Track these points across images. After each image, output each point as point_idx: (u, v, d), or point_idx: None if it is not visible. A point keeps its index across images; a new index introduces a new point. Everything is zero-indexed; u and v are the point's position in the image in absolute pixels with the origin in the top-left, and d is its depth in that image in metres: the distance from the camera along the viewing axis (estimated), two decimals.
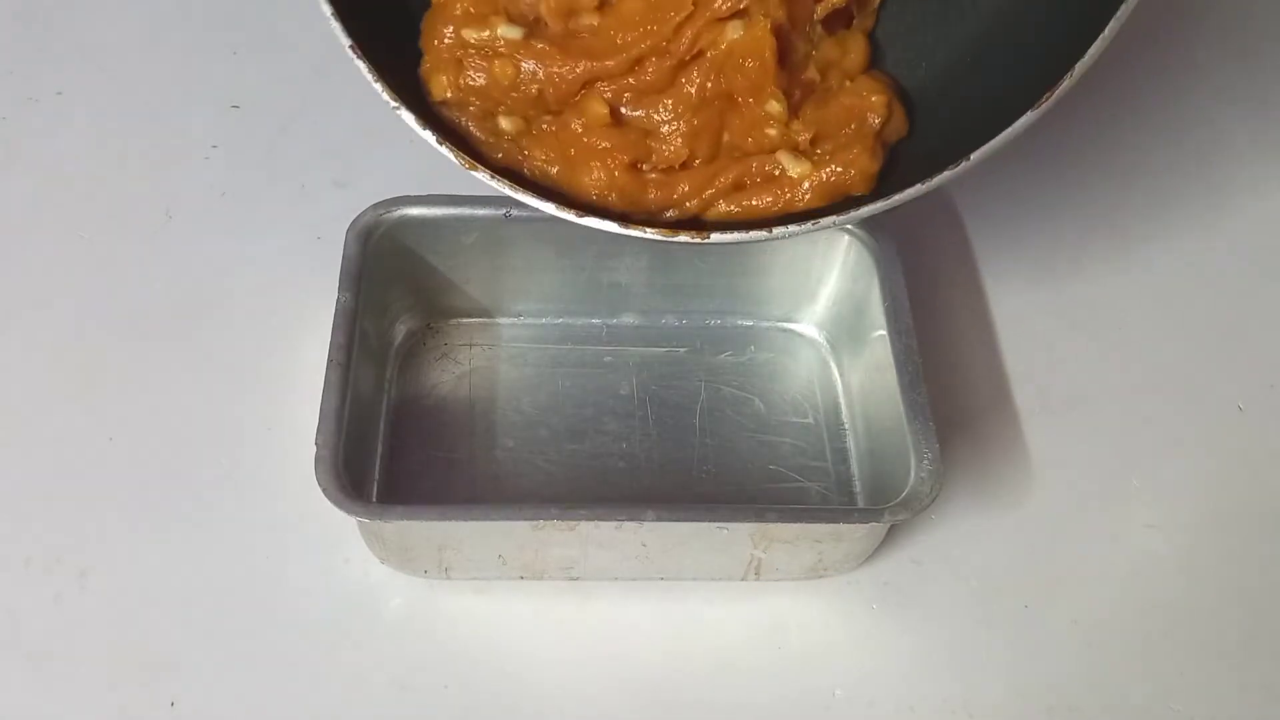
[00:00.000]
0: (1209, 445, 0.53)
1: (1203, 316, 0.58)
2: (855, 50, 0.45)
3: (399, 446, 0.50)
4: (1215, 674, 0.47)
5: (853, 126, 0.44)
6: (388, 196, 0.50)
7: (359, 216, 0.49)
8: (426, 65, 0.44)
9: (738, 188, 0.43)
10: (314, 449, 0.42)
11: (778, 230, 0.42)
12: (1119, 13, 0.37)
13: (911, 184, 0.40)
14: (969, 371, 0.54)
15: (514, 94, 0.43)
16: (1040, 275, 0.58)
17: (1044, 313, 0.57)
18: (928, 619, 0.48)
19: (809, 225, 0.42)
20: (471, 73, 0.43)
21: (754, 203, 0.43)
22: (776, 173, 0.43)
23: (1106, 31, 0.37)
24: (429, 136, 0.42)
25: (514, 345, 0.54)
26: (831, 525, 0.44)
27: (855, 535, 0.45)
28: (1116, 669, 0.47)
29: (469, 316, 0.54)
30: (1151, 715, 0.46)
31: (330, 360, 0.45)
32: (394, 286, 0.51)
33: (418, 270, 0.52)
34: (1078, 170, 0.61)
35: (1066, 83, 0.38)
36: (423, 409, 0.51)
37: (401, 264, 0.51)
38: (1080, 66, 0.38)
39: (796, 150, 0.43)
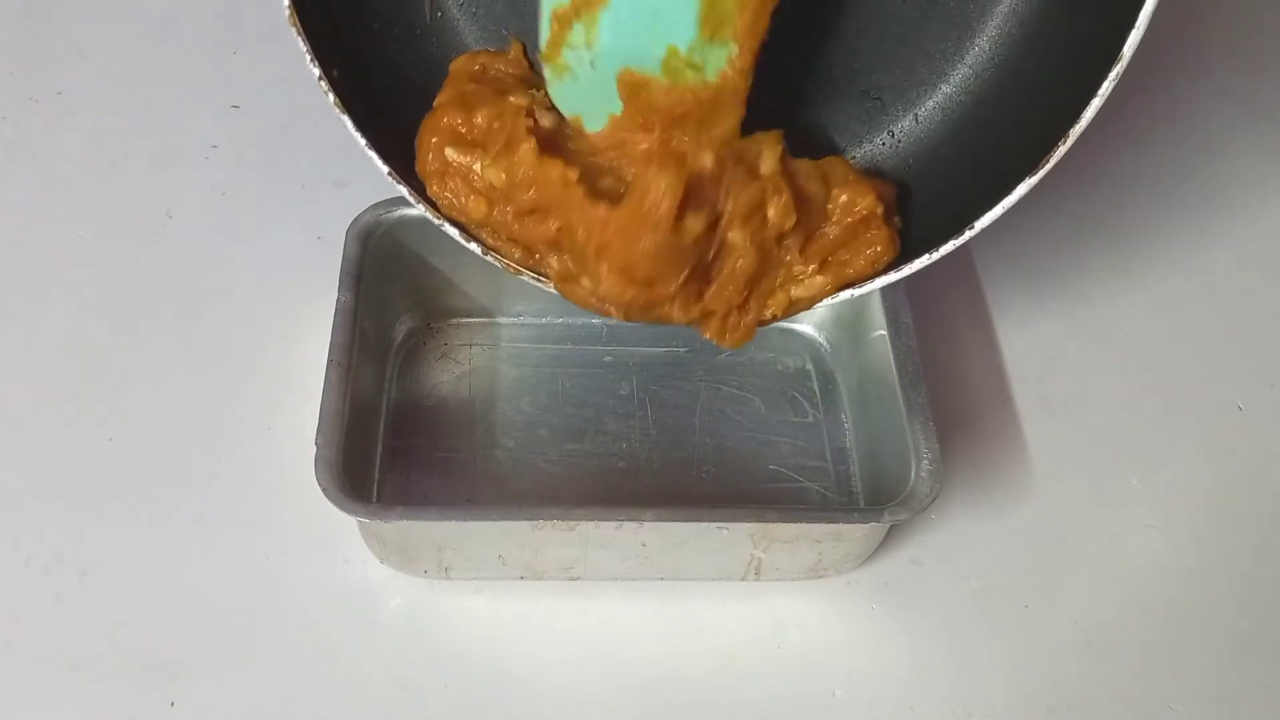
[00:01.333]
0: (1209, 445, 0.53)
1: (1202, 317, 0.58)
2: (829, 171, 0.43)
3: (399, 446, 0.50)
4: (1215, 674, 0.47)
5: (858, 231, 0.43)
6: (388, 196, 0.50)
7: (359, 216, 0.49)
8: (418, 167, 0.44)
9: (765, 295, 0.44)
10: (314, 449, 0.42)
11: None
12: (1108, 78, 0.38)
13: (919, 254, 0.42)
14: (969, 371, 0.54)
15: (486, 227, 0.43)
16: (1040, 275, 0.58)
17: (1043, 312, 0.57)
18: (928, 619, 0.48)
19: (827, 300, 0.44)
20: (450, 195, 0.43)
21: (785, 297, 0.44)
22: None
23: (1101, 90, 0.38)
24: (475, 248, 0.44)
25: (514, 345, 0.54)
26: (831, 525, 0.44)
27: (855, 535, 0.45)
28: (1116, 669, 0.47)
29: (469, 316, 0.54)
30: (1151, 715, 0.46)
31: (330, 360, 0.45)
32: (394, 286, 0.51)
33: (418, 270, 0.52)
34: (1077, 170, 0.61)
35: (1062, 148, 0.39)
36: (423, 409, 0.51)
37: (401, 264, 0.51)
38: (1075, 131, 0.38)
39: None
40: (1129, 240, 0.60)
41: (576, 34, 0.39)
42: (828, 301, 0.44)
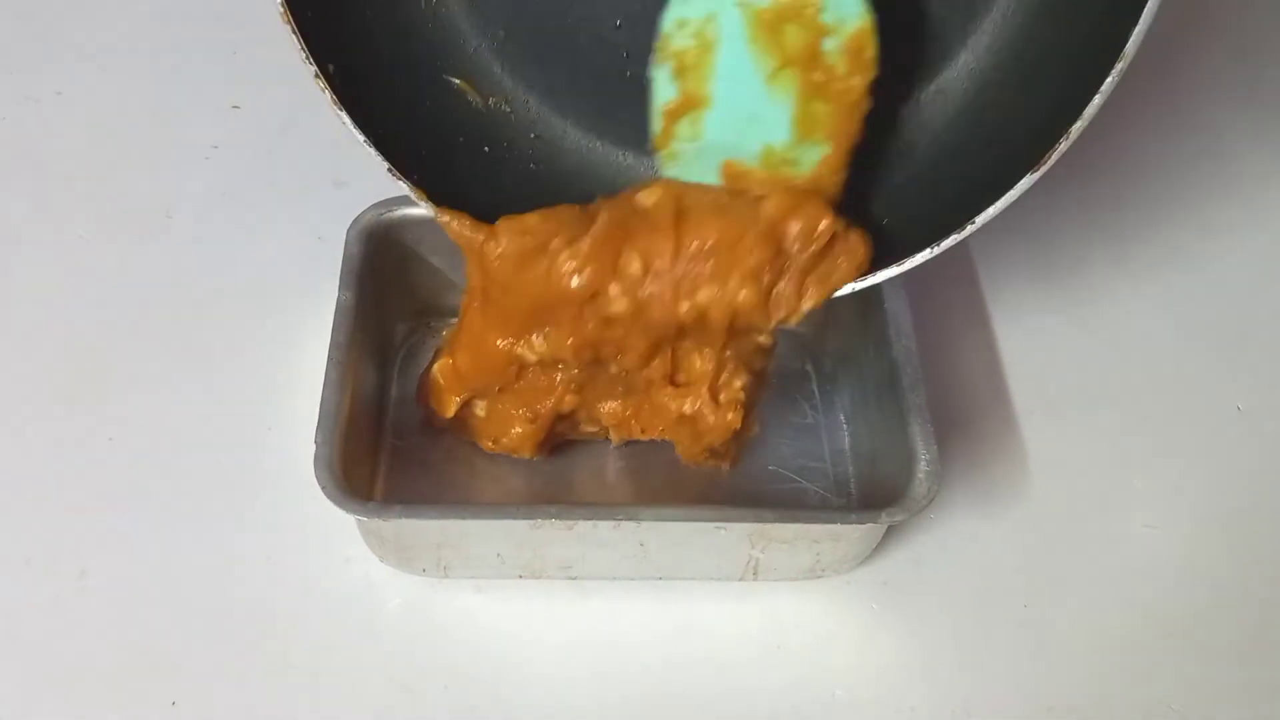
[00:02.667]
0: (1209, 445, 0.53)
1: (1203, 317, 0.58)
2: (769, 211, 0.43)
3: (399, 446, 0.50)
4: (1215, 674, 0.47)
5: (827, 252, 0.43)
6: (388, 196, 0.50)
7: (359, 216, 0.49)
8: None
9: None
10: (313, 448, 0.42)
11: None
12: (1112, 73, 0.37)
13: (921, 248, 0.42)
14: (968, 372, 0.54)
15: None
16: (1039, 275, 0.58)
17: (1043, 312, 0.57)
18: (927, 619, 0.48)
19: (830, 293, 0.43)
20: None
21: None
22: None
23: (1103, 87, 0.37)
24: None
25: None
26: (829, 526, 0.44)
27: (853, 536, 0.45)
28: (1116, 669, 0.47)
29: None
30: (1151, 715, 0.46)
31: (330, 359, 0.45)
32: (394, 286, 0.51)
33: (418, 270, 0.52)
34: (1077, 169, 0.61)
35: (1064, 145, 0.39)
36: None
37: (401, 264, 0.51)
38: (1077, 129, 0.38)
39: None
40: (1129, 240, 0.60)
41: (684, 128, 0.42)
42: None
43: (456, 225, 0.43)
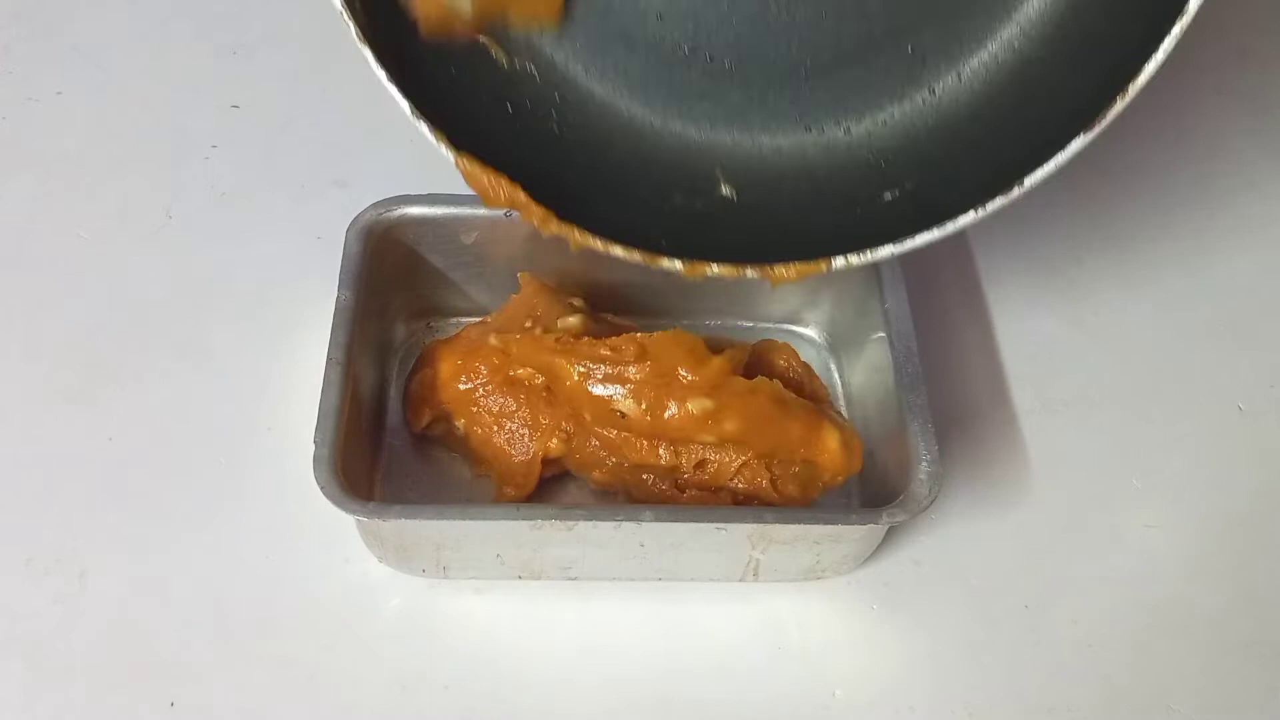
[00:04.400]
0: (1209, 445, 0.53)
1: (1203, 317, 0.58)
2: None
3: (398, 446, 0.50)
4: (1215, 674, 0.47)
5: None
6: (388, 196, 0.50)
7: (359, 216, 0.49)
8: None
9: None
10: (313, 448, 0.42)
11: (837, 262, 0.42)
12: (1175, 29, 0.36)
13: (964, 210, 0.40)
14: (968, 372, 0.54)
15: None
16: (1039, 275, 0.58)
17: (1043, 312, 0.57)
18: (928, 619, 0.48)
19: (867, 255, 0.42)
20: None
21: None
22: None
23: (1165, 43, 0.36)
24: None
25: None
26: (830, 527, 0.44)
27: (853, 536, 0.45)
28: (1116, 669, 0.47)
29: (469, 316, 0.54)
30: (1151, 715, 0.46)
31: (330, 359, 0.45)
32: (394, 286, 0.51)
33: (418, 270, 0.52)
34: (1077, 169, 0.61)
35: (1121, 103, 0.37)
36: None
37: (401, 264, 0.51)
38: (1134, 87, 0.37)
39: None
40: (1129, 239, 0.60)
41: None
42: (869, 256, 0.42)
43: (476, 171, 0.43)
